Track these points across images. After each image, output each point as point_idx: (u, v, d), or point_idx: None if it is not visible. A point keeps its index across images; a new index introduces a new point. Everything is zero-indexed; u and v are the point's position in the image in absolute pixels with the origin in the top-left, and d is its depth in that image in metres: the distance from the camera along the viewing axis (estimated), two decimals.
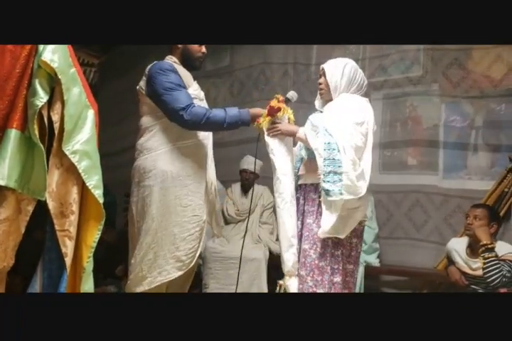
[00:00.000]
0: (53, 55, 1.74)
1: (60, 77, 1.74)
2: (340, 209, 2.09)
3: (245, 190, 4.11)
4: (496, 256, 2.59)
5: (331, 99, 2.37)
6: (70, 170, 1.79)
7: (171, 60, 2.44)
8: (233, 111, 2.32)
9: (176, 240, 2.33)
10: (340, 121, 2.20)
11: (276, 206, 2.29)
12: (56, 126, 1.76)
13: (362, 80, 2.37)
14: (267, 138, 2.33)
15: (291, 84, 4.36)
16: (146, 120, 2.41)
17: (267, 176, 4.19)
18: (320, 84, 2.41)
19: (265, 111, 2.34)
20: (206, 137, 2.50)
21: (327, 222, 2.11)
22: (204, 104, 2.53)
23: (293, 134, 2.31)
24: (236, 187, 4.17)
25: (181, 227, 2.34)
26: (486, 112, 3.40)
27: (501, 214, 3.11)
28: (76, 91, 1.82)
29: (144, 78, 2.39)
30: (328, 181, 2.10)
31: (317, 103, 2.49)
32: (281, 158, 2.31)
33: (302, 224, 2.30)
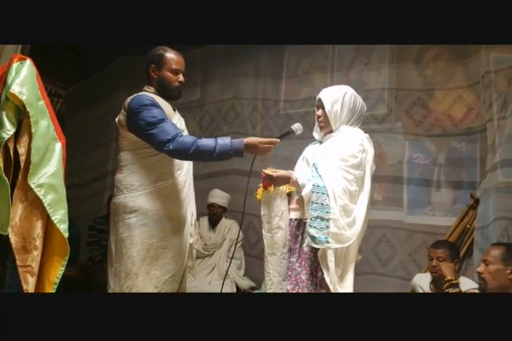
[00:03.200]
0: (22, 87, 1.74)
1: (28, 109, 1.73)
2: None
3: (213, 224, 4.08)
4: (460, 291, 2.62)
5: (331, 131, 2.26)
6: (35, 204, 1.76)
7: (150, 91, 2.35)
8: (224, 141, 2.19)
9: (159, 283, 2.27)
10: (334, 162, 2.09)
11: (265, 283, 2.15)
12: (22, 158, 1.74)
13: (362, 108, 2.27)
14: (263, 211, 2.22)
15: (260, 119, 4.42)
16: (126, 157, 2.31)
17: (234, 210, 4.19)
18: (319, 117, 2.27)
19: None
20: (186, 173, 2.42)
21: (330, 283, 2.00)
22: (185, 133, 2.43)
23: (287, 181, 2.16)
24: (203, 221, 4.13)
25: (162, 269, 2.27)
26: (447, 150, 3.49)
27: (463, 250, 3.16)
28: (44, 124, 1.82)
29: (124, 112, 2.28)
30: (315, 227, 1.98)
31: (316, 135, 2.35)
32: (271, 235, 2.17)
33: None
